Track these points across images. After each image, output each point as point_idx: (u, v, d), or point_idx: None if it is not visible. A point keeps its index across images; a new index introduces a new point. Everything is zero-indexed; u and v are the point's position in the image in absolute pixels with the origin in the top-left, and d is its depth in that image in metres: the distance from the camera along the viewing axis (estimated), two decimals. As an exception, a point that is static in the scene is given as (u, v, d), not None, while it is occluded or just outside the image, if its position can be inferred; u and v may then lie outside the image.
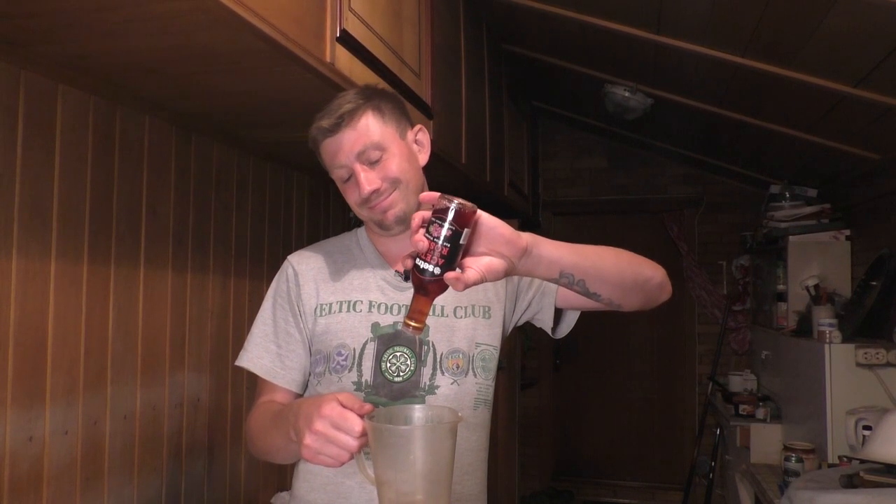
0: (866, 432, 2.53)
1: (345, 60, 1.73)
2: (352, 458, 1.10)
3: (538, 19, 3.23)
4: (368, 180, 1.32)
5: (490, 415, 1.48)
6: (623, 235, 5.34)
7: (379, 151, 1.33)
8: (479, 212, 1.04)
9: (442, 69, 2.62)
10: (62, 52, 1.53)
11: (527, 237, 1.10)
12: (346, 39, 1.72)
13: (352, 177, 1.35)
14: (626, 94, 3.64)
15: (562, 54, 3.73)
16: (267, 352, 1.46)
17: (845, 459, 2.53)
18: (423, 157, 1.46)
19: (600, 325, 5.29)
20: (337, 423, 1.08)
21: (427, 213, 1.03)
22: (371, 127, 1.34)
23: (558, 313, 1.54)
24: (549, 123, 5.47)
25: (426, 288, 1.04)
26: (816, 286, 3.40)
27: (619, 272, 1.26)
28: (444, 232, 1.01)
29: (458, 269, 1.03)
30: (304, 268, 1.46)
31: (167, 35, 1.39)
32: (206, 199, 2.32)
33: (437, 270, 1.02)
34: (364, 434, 1.07)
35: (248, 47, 1.45)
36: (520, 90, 4.35)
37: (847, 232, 3.71)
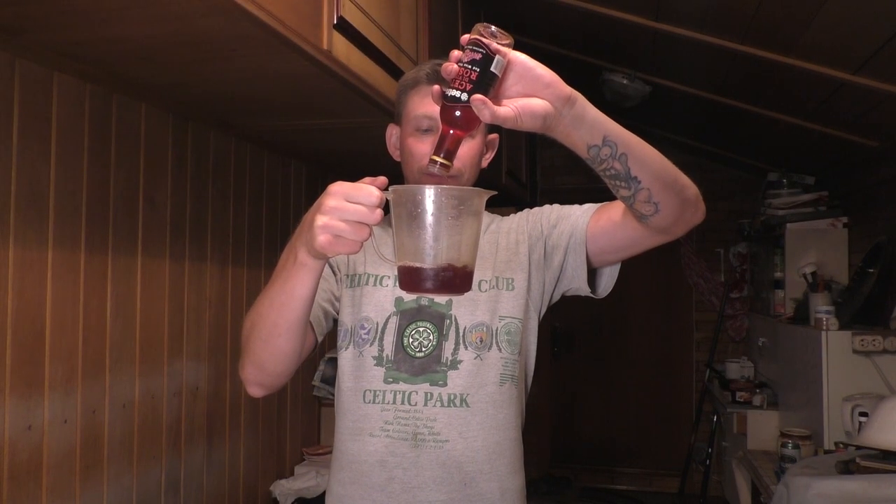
0: (862, 419, 2.53)
1: (342, 48, 1.71)
2: (370, 234, 0.99)
3: (537, 6, 3.22)
4: None
5: (520, 392, 1.42)
6: (621, 223, 5.29)
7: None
8: (513, 51, 0.95)
9: (440, 57, 2.60)
10: (57, 39, 1.52)
11: (570, 88, 0.98)
12: (344, 27, 1.71)
13: (431, 131, 1.34)
14: (625, 81, 3.62)
15: (560, 41, 3.71)
16: None
17: (841, 446, 2.53)
18: (485, 161, 1.44)
19: (598, 314, 5.29)
20: (351, 196, 0.97)
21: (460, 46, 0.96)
22: None
23: (592, 275, 1.41)
24: (546, 111, 5.40)
25: (452, 118, 0.96)
26: (814, 273, 3.40)
27: (661, 161, 1.11)
28: (473, 55, 0.93)
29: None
30: None
31: (163, 22, 1.38)
32: (203, 188, 2.31)
33: (464, 96, 0.93)
34: (381, 205, 0.98)
35: (245, 34, 1.44)
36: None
37: (845, 219, 3.69)
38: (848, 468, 2.21)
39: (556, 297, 1.48)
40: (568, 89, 0.97)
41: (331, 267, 1.44)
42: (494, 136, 1.46)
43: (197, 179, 2.27)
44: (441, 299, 1.37)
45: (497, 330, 1.37)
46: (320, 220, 0.97)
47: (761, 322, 4.32)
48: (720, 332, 4.90)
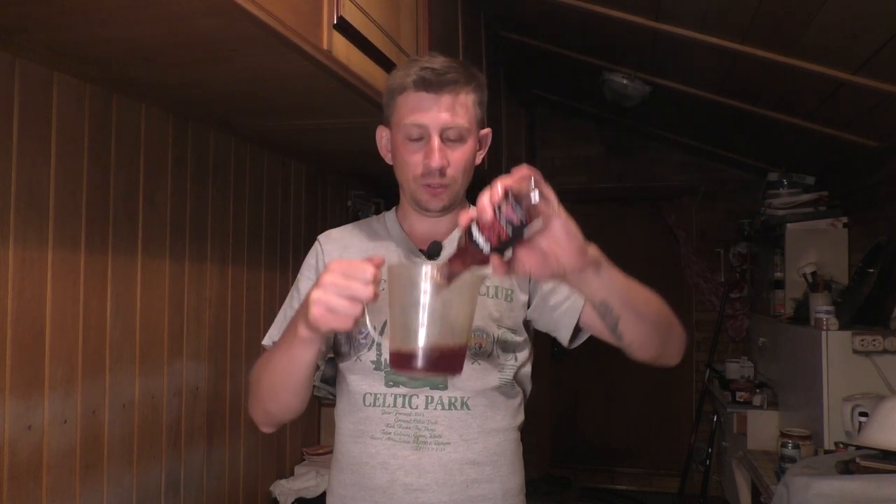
0: (862, 419, 2.53)
1: (342, 48, 1.72)
2: (363, 314, 1.02)
3: (536, 6, 3.22)
4: (441, 157, 1.29)
5: (519, 395, 1.44)
6: (621, 224, 5.34)
7: (460, 137, 1.31)
8: (560, 211, 0.96)
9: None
10: (58, 39, 1.51)
11: (594, 253, 1.01)
12: (344, 27, 1.71)
13: (422, 140, 1.31)
14: (625, 81, 3.62)
15: (560, 42, 3.71)
16: (280, 323, 1.44)
17: (841, 446, 2.53)
18: (479, 159, 1.42)
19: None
20: (347, 273, 1.01)
21: (508, 184, 0.93)
22: (469, 109, 1.31)
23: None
24: (546, 111, 5.43)
25: (468, 253, 0.97)
26: (814, 273, 3.40)
27: (652, 323, 1.19)
28: (513, 217, 0.93)
29: (507, 256, 0.96)
30: (331, 246, 1.45)
31: (164, 22, 1.38)
32: (203, 188, 2.31)
33: (487, 249, 0.94)
34: (376, 281, 1.01)
35: (245, 34, 1.44)
36: (518, 78, 4.33)
37: (844, 219, 3.70)
38: (848, 468, 2.21)
39: (536, 327, 1.49)
40: (585, 262, 1.00)
41: None
42: (487, 130, 1.43)
43: (197, 179, 2.27)
44: None
45: (497, 337, 1.38)
46: (315, 294, 1.01)
47: (761, 322, 4.31)
48: (720, 332, 4.91)
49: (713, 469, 4.75)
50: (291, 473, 2.90)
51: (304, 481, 2.76)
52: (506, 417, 1.39)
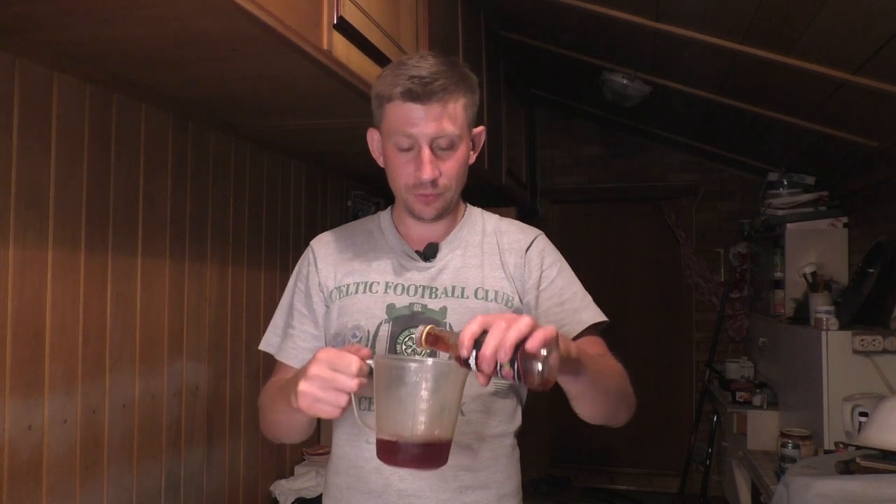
0: (862, 419, 2.53)
1: (342, 48, 1.72)
2: (349, 403, 1.06)
3: (536, 6, 3.22)
4: (432, 169, 1.28)
5: (514, 400, 1.43)
6: (621, 224, 5.36)
7: (451, 145, 1.29)
8: (553, 359, 0.97)
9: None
10: (58, 39, 1.52)
11: (575, 357, 1.10)
12: (343, 27, 1.71)
13: (413, 150, 1.29)
14: (625, 81, 3.62)
15: (560, 42, 3.71)
16: (280, 331, 1.46)
17: (841, 446, 2.53)
18: (473, 158, 1.39)
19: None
20: (334, 364, 1.05)
21: (516, 338, 0.95)
22: (458, 115, 1.28)
23: None
24: (547, 111, 5.43)
25: (453, 357, 1.01)
26: (814, 273, 3.40)
27: (606, 404, 1.33)
28: (511, 379, 0.96)
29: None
30: (324, 251, 1.45)
31: (164, 22, 1.38)
32: (203, 188, 2.31)
33: (473, 367, 0.98)
34: (362, 374, 1.04)
35: (245, 34, 1.44)
36: (518, 78, 4.34)
37: (844, 219, 3.71)
38: (848, 468, 2.21)
39: None
40: (564, 372, 1.10)
41: (311, 302, 1.43)
42: (480, 129, 1.40)
43: (197, 179, 2.27)
44: (436, 305, 1.35)
45: None
46: (302, 386, 1.06)
47: (761, 322, 4.32)
48: (720, 332, 4.91)
49: (713, 469, 4.75)
50: (291, 473, 2.90)
51: (304, 481, 2.76)
52: (501, 423, 1.39)
